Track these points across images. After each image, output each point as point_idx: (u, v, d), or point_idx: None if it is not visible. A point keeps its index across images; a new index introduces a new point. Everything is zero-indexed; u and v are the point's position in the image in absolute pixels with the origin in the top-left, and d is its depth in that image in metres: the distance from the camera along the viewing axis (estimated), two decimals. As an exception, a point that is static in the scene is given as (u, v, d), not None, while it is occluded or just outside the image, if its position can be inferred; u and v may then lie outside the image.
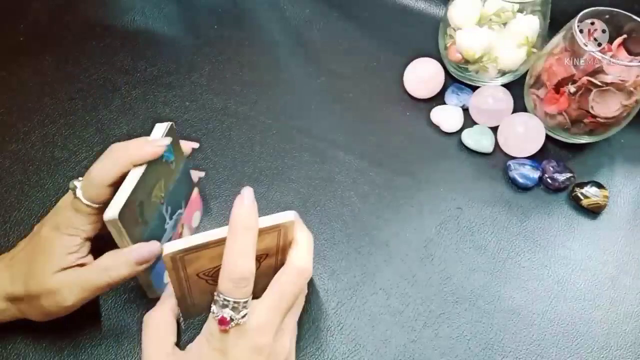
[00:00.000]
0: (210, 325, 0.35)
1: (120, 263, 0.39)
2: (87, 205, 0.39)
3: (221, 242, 0.34)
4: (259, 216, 0.35)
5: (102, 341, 0.44)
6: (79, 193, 0.39)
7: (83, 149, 0.56)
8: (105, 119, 0.59)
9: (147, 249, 0.39)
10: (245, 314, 0.34)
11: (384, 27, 0.71)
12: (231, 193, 0.54)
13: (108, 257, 0.39)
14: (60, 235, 0.39)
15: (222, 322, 0.33)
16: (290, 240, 0.38)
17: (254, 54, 0.66)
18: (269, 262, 0.39)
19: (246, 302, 0.34)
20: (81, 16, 0.69)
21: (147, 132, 0.58)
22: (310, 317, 0.46)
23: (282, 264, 0.37)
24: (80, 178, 0.40)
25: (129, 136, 0.57)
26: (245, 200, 0.34)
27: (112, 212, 0.36)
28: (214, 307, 0.34)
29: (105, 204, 0.38)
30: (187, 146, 0.46)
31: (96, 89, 0.62)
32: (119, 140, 0.56)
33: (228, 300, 0.33)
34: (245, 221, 0.34)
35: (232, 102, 0.61)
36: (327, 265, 0.49)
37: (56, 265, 0.39)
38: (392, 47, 0.68)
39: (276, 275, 0.37)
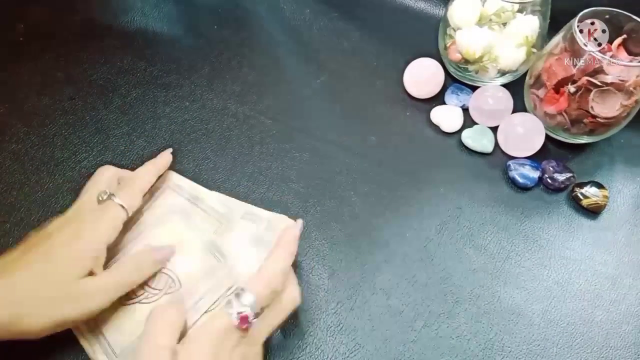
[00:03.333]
0: (220, 323, 0.36)
1: (149, 263, 0.41)
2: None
3: None
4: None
5: (102, 341, 0.44)
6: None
7: (83, 149, 0.56)
8: (105, 119, 0.59)
9: (169, 249, 0.44)
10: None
11: (384, 27, 0.71)
12: (231, 193, 0.53)
13: (132, 259, 0.42)
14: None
15: (244, 320, 0.35)
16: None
17: (254, 54, 0.67)
18: None
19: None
20: (81, 16, 0.69)
21: (148, 132, 0.58)
22: (310, 317, 0.46)
23: None
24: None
25: (129, 136, 0.57)
26: (298, 231, 0.42)
27: None
28: (235, 303, 0.36)
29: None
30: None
31: (96, 89, 0.62)
32: (119, 140, 0.57)
33: (254, 305, 0.36)
34: (295, 246, 0.41)
35: (232, 102, 0.61)
36: (327, 265, 0.49)
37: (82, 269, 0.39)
38: (392, 47, 0.68)
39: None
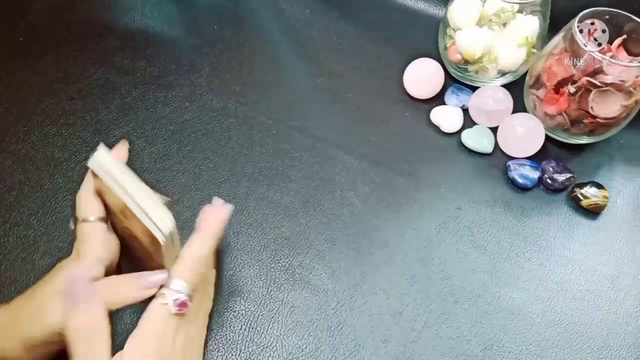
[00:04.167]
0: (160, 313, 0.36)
1: (132, 292, 0.37)
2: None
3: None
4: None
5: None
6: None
7: (83, 149, 0.56)
8: (105, 119, 0.59)
9: (158, 276, 0.37)
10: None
11: (384, 27, 0.71)
12: (231, 193, 0.54)
13: (111, 284, 0.38)
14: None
15: (183, 305, 0.36)
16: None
17: (254, 54, 0.67)
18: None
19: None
20: (81, 16, 0.69)
21: (148, 132, 0.58)
22: (310, 317, 0.47)
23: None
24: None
25: (129, 136, 0.57)
26: (224, 215, 0.41)
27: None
28: (168, 292, 0.36)
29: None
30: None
31: (96, 89, 0.62)
32: (119, 140, 0.56)
33: (186, 289, 0.37)
34: (219, 229, 0.40)
35: (232, 102, 0.61)
36: (327, 265, 0.49)
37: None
38: (392, 47, 0.68)
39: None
